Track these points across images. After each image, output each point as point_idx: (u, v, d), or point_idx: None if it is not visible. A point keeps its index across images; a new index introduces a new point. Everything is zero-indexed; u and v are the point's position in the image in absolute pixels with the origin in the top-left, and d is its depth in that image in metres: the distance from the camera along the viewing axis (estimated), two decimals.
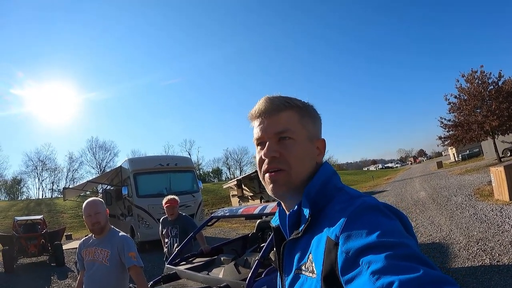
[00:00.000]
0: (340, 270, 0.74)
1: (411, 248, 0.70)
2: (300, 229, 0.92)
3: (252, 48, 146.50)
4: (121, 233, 3.13)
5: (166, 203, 5.50)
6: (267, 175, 0.99)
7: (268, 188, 1.01)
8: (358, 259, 0.70)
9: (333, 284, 0.77)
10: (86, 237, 3.23)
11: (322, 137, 1.09)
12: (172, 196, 5.60)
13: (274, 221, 1.12)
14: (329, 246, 0.80)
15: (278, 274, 1.09)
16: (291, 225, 0.98)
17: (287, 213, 1.00)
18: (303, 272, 0.89)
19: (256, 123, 1.04)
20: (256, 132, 1.03)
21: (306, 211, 0.91)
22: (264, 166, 1.00)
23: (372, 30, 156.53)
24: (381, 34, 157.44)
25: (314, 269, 0.84)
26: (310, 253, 0.87)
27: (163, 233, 5.67)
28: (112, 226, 3.19)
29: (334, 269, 0.77)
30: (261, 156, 1.00)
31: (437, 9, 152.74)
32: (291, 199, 1.00)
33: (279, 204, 1.10)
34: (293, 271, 0.94)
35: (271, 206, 4.45)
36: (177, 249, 4.91)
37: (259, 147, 1.03)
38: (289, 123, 0.99)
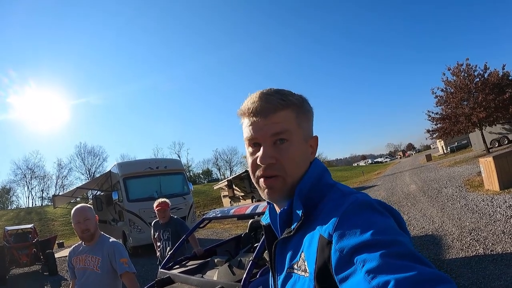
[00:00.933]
0: (334, 268, 0.72)
1: (406, 246, 0.69)
2: (293, 227, 0.90)
3: (243, 48, 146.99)
4: (112, 239, 3.05)
5: (157, 206, 5.45)
6: (261, 179, 0.95)
7: (263, 193, 0.97)
8: (353, 258, 0.69)
9: (326, 283, 0.76)
10: (76, 244, 3.15)
11: (314, 134, 1.05)
12: (163, 199, 5.56)
13: (265, 219, 1.09)
14: (322, 244, 0.79)
15: (270, 273, 1.07)
16: (282, 224, 0.96)
17: (278, 211, 0.98)
18: (295, 271, 0.87)
19: (247, 121, 0.96)
20: (248, 131, 0.96)
21: (299, 210, 0.89)
22: (259, 172, 0.95)
23: (359, 24, 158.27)
24: (368, 28, 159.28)
25: (307, 267, 0.82)
26: (302, 251, 0.86)
27: (155, 236, 5.61)
28: (102, 232, 3.11)
29: (327, 268, 0.75)
30: (255, 160, 0.95)
31: (427, 3, 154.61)
32: (284, 199, 0.96)
33: (269, 202, 1.06)
34: (285, 270, 0.93)
35: (262, 206, 4.41)
36: (169, 253, 4.85)
37: (251, 148, 0.97)
38: (286, 123, 0.93)
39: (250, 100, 0.97)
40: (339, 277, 0.70)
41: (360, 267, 0.66)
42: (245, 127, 0.97)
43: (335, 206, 0.83)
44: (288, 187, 0.94)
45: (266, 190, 0.95)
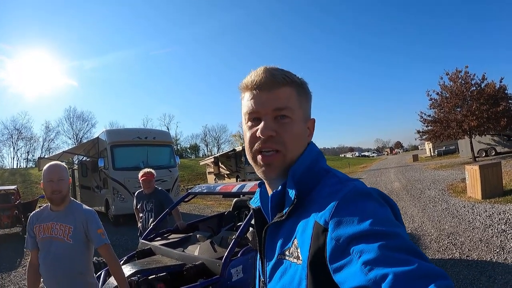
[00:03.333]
0: (329, 257, 0.71)
1: (404, 238, 0.68)
2: (285, 211, 0.88)
3: (239, 24, 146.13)
4: (85, 207, 2.76)
5: (142, 176, 5.42)
6: (259, 156, 0.93)
7: (259, 170, 0.95)
8: (349, 247, 0.68)
9: (319, 271, 0.74)
10: (38, 210, 2.78)
11: (312, 117, 1.04)
12: (148, 169, 5.52)
13: (254, 202, 1.06)
14: (317, 231, 0.77)
15: (259, 258, 1.04)
16: (273, 207, 0.93)
17: (270, 193, 0.96)
18: (287, 258, 0.85)
19: (249, 95, 0.95)
20: (249, 105, 0.94)
21: (292, 193, 0.87)
22: (257, 145, 0.92)
23: (359, 12, 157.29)
24: (369, 17, 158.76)
25: (300, 255, 0.80)
26: (295, 238, 0.83)
27: (138, 207, 5.58)
28: (72, 198, 2.79)
29: (321, 256, 0.74)
30: (254, 133, 0.93)
31: (435, 1, 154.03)
32: (277, 180, 0.94)
33: (260, 184, 1.05)
34: (275, 256, 0.90)
35: (249, 185, 4.41)
36: (152, 224, 4.84)
37: (250, 122, 0.95)
38: (288, 100, 0.92)
39: (254, 74, 0.95)
40: (333, 266, 0.69)
41: (357, 258, 0.65)
42: (246, 101, 0.96)
43: (332, 192, 0.81)
44: (286, 164, 0.92)
45: (263, 168, 0.93)
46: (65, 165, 2.81)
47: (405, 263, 0.60)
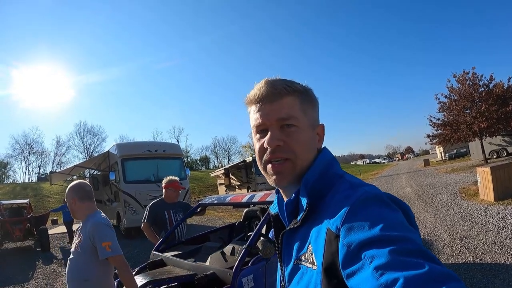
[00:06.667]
0: (341, 263, 0.72)
1: (415, 242, 0.68)
2: (298, 218, 0.90)
3: (245, 34, 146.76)
4: (95, 218, 2.77)
5: (174, 184, 5.04)
6: (269, 165, 0.95)
7: (270, 179, 0.97)
8: (361, 253, 0.69)
9: (334, 277, 0.76)
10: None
11: (321, 123, 1.05)
12: (174, 177, 5.18)
13: (273, 209, 1.09)
14: (329, 238, 0.78)
15: (278, 263, 1.06)
16: (288, 214, 0.96)
17: (285, 201, 0.98)
18: (303, 263, 0.87)
19: (254, 108, 0.98)
20: (256, 118, 0.97)
21: (304, 201, 0.89)
22: (267, 156, 0.95)
23: (368, 22, 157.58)
24: (377, 26, 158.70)
25: (314, 260, 0.82)
26: (310, 243, 0.85)
27: (165, 217, 5.01)
28: (98, 210, 2.92)
29: (335, 262, 0.75)
30: (262, 145, 0.96)
31: (436, 6, 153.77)
32: (291, 188, 0.96)
33: (277, 192, 1.07)
34: (292, 261, 0.92)
35: (259, 195, 4.43)
36: (164, 236, 4.81)
37: (258, 135, 0.98)
38: (292, 109, 0.95)
39: (256, 87, 0.98)
40: (346, 272, 0.71)
41: (368, 263, 0.66)
42: (252, 115, 0.99)
43: (343, 198, 0.82)
44: (297, 171, 0.94)
45: (273, 177, 0.95)
46: (77, 182, 2.95)
47: (416, 267, 0.61)
